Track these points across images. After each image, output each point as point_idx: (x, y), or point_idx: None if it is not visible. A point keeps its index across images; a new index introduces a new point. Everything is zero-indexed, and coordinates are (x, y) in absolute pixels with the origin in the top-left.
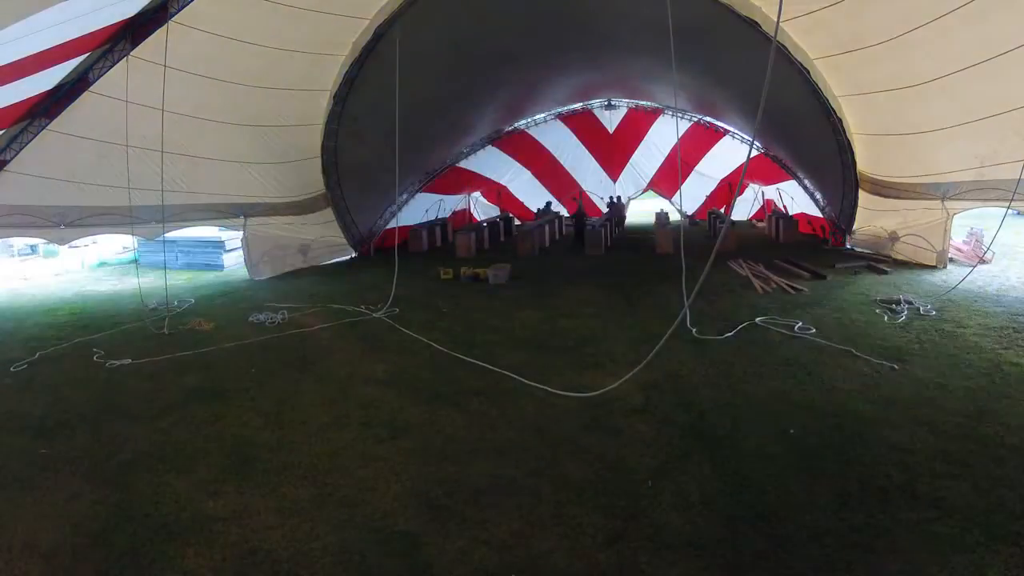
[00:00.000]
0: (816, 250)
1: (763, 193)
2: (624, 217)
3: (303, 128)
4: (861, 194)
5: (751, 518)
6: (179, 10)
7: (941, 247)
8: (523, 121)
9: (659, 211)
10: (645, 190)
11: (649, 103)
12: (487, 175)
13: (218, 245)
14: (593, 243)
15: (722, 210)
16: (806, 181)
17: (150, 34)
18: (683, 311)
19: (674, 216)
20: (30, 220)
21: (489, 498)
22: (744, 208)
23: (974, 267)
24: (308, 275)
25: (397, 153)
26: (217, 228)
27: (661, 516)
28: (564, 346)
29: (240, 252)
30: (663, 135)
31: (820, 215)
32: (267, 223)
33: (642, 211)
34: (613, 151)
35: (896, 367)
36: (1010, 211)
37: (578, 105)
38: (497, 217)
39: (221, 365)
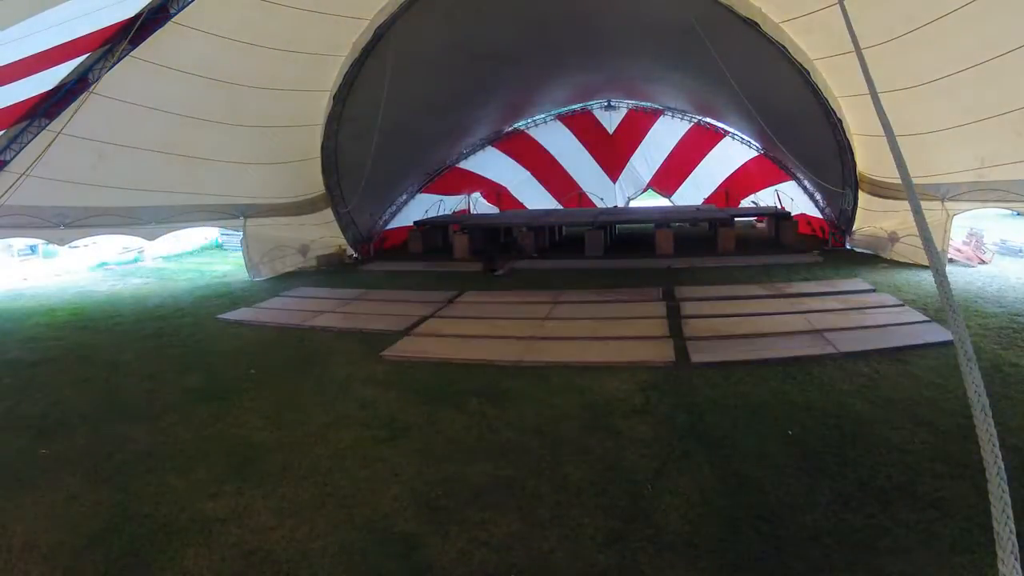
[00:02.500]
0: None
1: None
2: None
3: (303, 128)
4: (861, 195)
5: (751, 519)
6: (179, 11)
7: (940, 248)
8: (523, 122)
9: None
10: (644, 190)
11: (649, 104)
12: (487, 176)
13: None
14: (592, 245)
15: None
16: (806, 182)
17: (150, 35)
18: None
19: None
20: (30, 220)
21: (489, 499)
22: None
23: (974, 268)
24: (308, 276)
25: (374, 146)
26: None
27: (661, 517)
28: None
29: None
30: (663, 136)
31: (819, 216)
32: (267, 223)
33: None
34: (613, 152)
35: (895, 367)
36: (1010, 212)
37: (578, 106)
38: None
39: (221, 365)
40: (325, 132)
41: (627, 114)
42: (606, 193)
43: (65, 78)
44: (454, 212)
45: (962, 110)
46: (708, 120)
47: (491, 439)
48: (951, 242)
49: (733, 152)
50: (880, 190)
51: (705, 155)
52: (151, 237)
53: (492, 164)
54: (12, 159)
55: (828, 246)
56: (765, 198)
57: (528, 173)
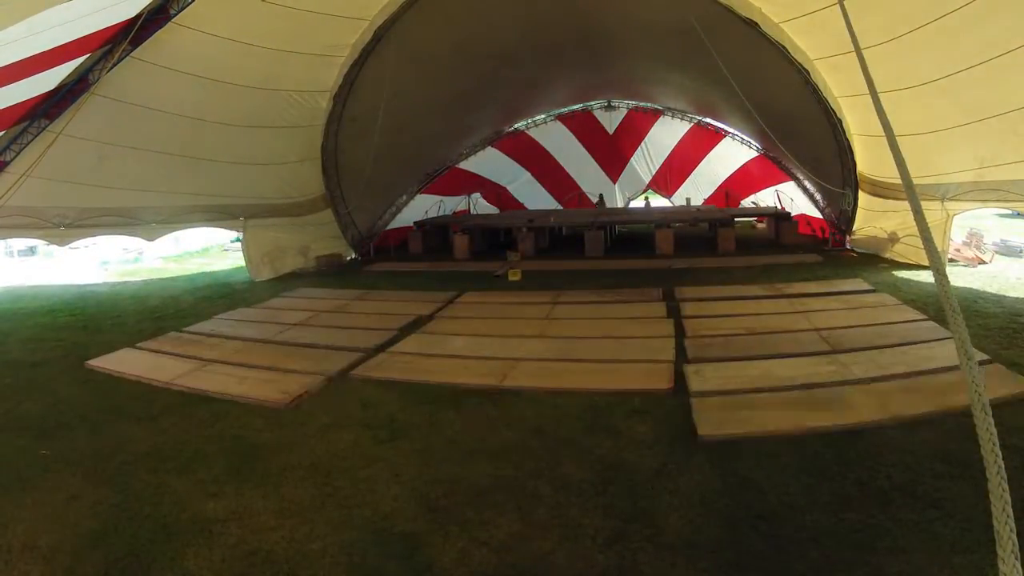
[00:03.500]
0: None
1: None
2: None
3: (303, 129)
4: (861, 195)
5: (751, 519)
6: (179, 11)
7: (940, 248)
8: (523, 122)
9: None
10: (644, 191)
11: (649, 104)
12: (487, 176)
13: None
14: (592, 246)
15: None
16: (806, 182)
17: (151, 35)
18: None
19: None
20: (30, 221)
21: (489, 499)
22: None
23: (974, 268)
24: (308, 276)
25: (374, 146)
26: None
27: (661, 517)
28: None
29: None
30: (663, 136)
31: (819, 216)
32: (267, 224)
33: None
34: (613, 152)
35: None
36: (1010, 212)
37: (578, 106)
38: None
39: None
40: (325, 132)
41: (627, 114)
42: (607, 193)
43: (65, 79)
44: (454, 213)
45: (962, 110)
46: (708, 120)
47: (491, 439)
48: (951, 242)
49: (733, 152)
50: (880, 190)
51: (705, 155)
52: (151, 238)
53: (492, 164)
54: (12, 160)
55: (828, 246)
56: (765, 199)
57: (528, 174)
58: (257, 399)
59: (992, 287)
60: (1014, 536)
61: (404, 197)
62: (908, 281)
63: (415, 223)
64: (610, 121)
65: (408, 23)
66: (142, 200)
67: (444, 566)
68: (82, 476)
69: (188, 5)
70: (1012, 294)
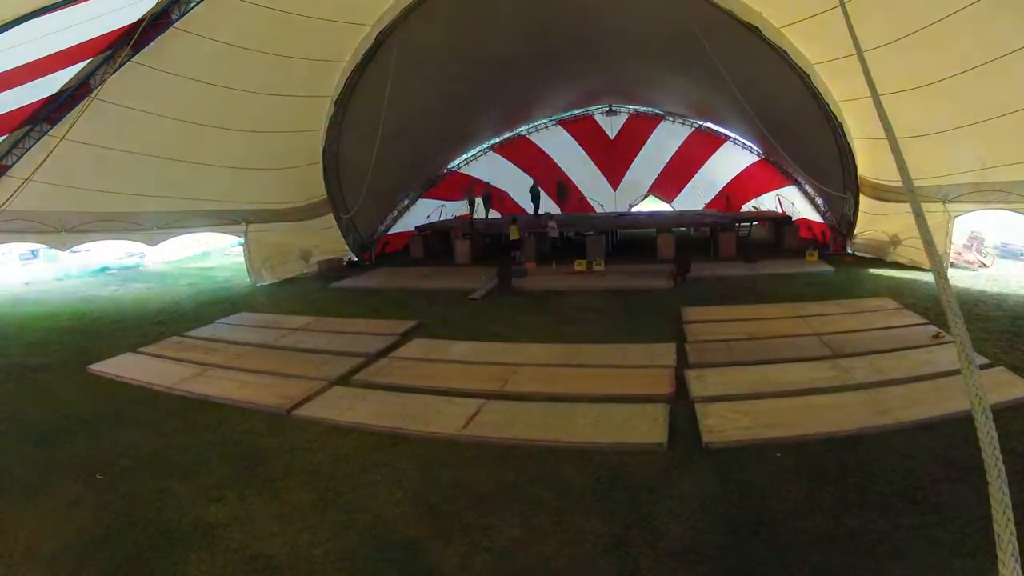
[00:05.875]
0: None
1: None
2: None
3: (305, 134)
4: (862, 198)
5: (752, 524)
6: (181, 16)
7: (941, 250)
8: (524, 127)
9: None
10: (646, 196)
11: (650, 109)
12: (488, 180)
13: None
14: (593, 253)
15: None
16: (807, 187)
17: (152, 40)
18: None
19: None
20: (31, 225)
21: (490, 504)
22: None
23: (975, 271)
24: (310, 281)
25: (376, 151)
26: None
27: (662, 523)
28: None
29: None
30: (664, 141)
31: (820, 220)
32: (268, 229)
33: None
34: (614, 157)
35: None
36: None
37: (579, 111)
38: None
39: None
40: (327, 137)
41: (628, 119)
42: (607, 199)
43: (67, 83)
44: (456, 217)
45: (963, 111)
46: (709, 125)
47: (493, 443)
48: (952, 245)
49: (734, 157)
50: (881, 193)
51: (706, 160)
52: (152, 242)
53: (493, 169)
54: (14, 164)
55: (829, 250)
56: (766, 203)
57: (529, 179)
58: (258, 404)
59: (993, 290)
60: (1014, 540)
61: (406, 202)
62: (909, 284)
63: (416, 227)
64: (611, 126)
65: (409, 28)
66: (143, 205)
67: (445, 571)
68: (84, 482)
69: (189, 11)
70: (1013, 297)
